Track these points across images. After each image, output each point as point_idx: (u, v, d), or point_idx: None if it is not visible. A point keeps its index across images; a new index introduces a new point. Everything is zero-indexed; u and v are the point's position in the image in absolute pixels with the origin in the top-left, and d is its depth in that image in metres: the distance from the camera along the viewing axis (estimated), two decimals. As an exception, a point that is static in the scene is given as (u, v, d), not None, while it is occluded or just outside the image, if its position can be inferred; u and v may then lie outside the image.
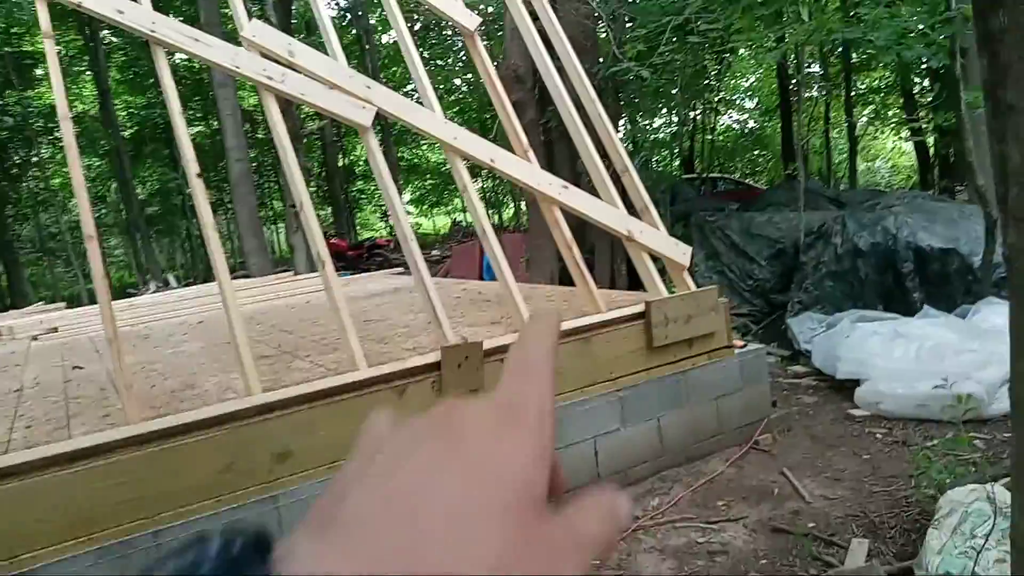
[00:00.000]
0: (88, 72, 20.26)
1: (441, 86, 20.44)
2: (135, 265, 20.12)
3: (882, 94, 18.37)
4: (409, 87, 19.95)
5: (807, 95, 14.03)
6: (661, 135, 16.63)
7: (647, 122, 14.93)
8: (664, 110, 14.91)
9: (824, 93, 16.60)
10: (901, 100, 16.99)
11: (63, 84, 3.80)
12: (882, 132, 21.06)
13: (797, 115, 9.90)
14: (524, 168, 4.36)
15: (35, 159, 18.92)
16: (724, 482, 3.96)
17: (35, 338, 6.78)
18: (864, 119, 19.44)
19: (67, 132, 3.61)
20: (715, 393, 4.30)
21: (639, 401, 3.99)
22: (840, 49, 14.59)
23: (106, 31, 18.60)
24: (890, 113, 18.76)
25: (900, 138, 20.57)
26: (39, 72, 20.22)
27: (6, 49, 17.97)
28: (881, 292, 6.25)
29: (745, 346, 4.67)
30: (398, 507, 0.26)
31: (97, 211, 21.22)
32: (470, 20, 4.76)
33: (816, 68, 16.29)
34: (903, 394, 4.60)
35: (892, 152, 25.44)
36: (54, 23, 3.80)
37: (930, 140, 15.62)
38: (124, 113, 21.29)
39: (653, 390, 4.05)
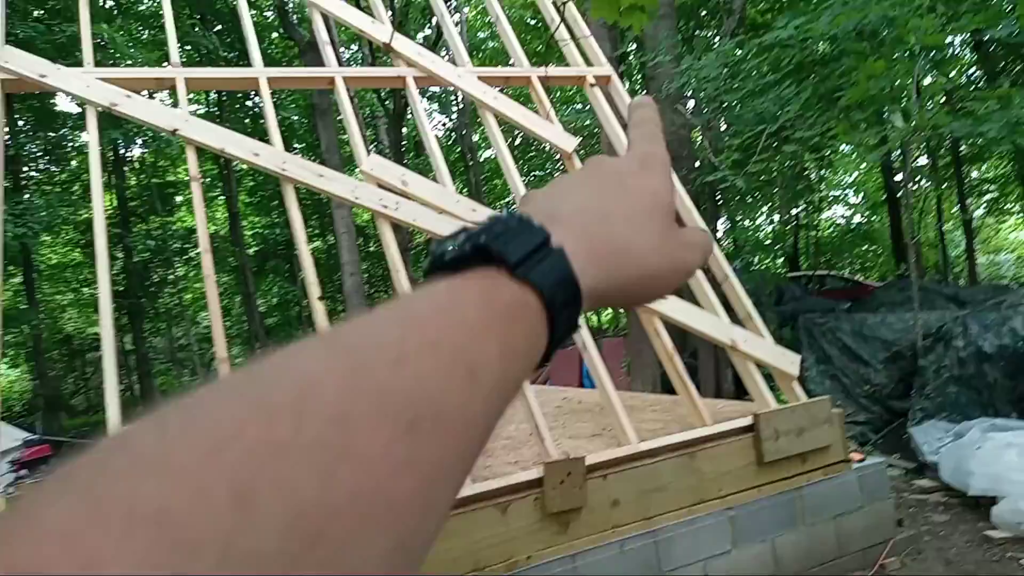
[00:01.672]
0: (221, 197, 22.28)
1: (540, 195, 21.15)
2: (254, 373, 21.28)
3: (999, 183, 17.56)
4: (510, 197, 20.76)
5: (915, 188, 13.60)
6: (762, 234, 16.43)
7: (747, 223, 14.86)
8: (765, 209, 14.82)
9: (934, 186, 16.05)
10: (1021, 189, 16.18)
11: (205, 219, 4.27)
12: (1003, 223, 19.99)
13: (906, 210, 9.63)
14: (623, 281, 4.44)
15: (171, 277, 20.68)
16: (849, 610, 3.69)
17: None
18: (981, 211, 18.56)
19: (207, 264, 4.02)
20: (833, 512, 4.08)
21: (751, 521, 3.83)
22: (948, 141, 14.19)
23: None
24: (1010, 203, 17.85)
25: (1024, 228, 19.46)
26: (178, 199, 22.43)
27: (154, 181, 20.11)
28: (1013, 399, 5.81)
29: (864, 459, 4.44)
30: (591, 209, 0.41)
31: (223, 324, 22.75)
32: (567, 142, 5.02)
33: (923, 160, 15.85)
34: (1049, 514, 4.20)
35: (1017, 244, 23.98)
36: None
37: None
38: (250, 232, 23.12)
39: (765, 509, 3.89)
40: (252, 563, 0.21)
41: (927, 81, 9.41)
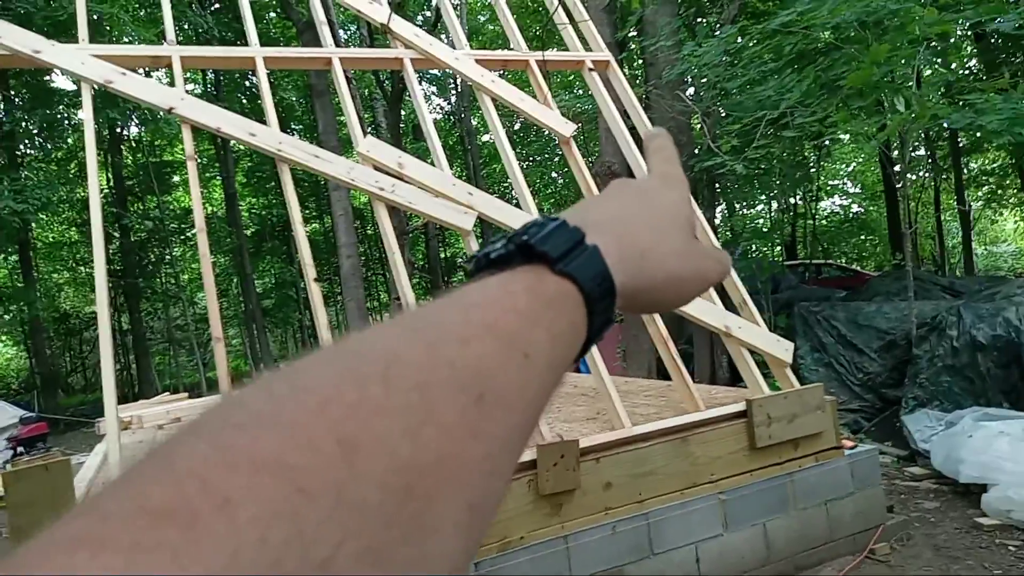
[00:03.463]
0: (218, 177, 22.19)
1: (539, 180, 21.11)
2: (250, 354, 21.29)
3: (997, 175, 17.55)
4: (508, 182, 20.70)
5: (912, 178, 13.59)
6: (761, 221, 16.42)
7: (746, 209, 14.86)
8: (763, 197, 14.80)
9: (931, 176, 16.01)
10: (1019, 181, 16.17)
11: (200, 198, 4.26)
12: (1000, 215, 19.99)
13: (903, 200, 9.62)
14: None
15: (167, 257, 20.64)
16: (837, 594, 3.73)
17: (160, 427, 7.26)
18: (979, 202, 18.57)
19: (202, 243, 4.02)
20: (824, 497, 4.11)
21: (742, 505, 3.86)
22: (946, 132, 14.16)
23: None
24: (1008, 195, 17.85)
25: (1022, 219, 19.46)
26: (175, 179, 22.35)
27: (151, 160, 20.02)
28: (1006, 388, 5.84)
29: (855, 446, 4.47)
30: (619, 218, 0.44)
31: (219, 304, 22.74)
32: (565, 127, 5.01)
33: (922, 151, 15.81)
34: (1038, 502, 4.24)
35: (1014, 235, 24.02)
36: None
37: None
38: (247, 213, 23.07)
39: (757, 493, 3.92)
40: (358, 511, 0.23)
41: (927, 72, 9.36)
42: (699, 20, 13.12)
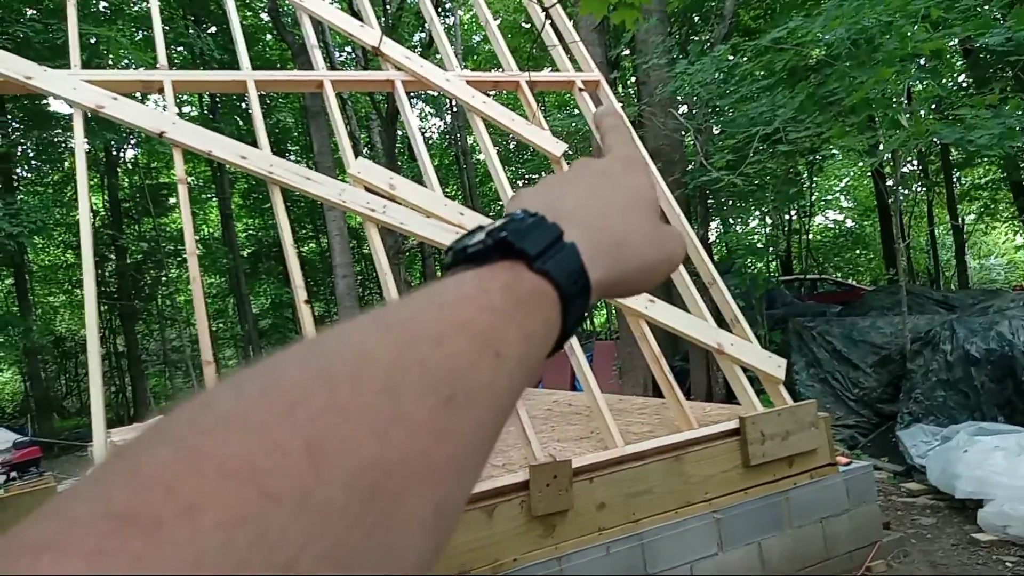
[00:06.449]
0: (214, 198, 22.22)
1: (534, 198, 21.15)
2: (247, 375, 21.19)
3: (989, 189, 17.64)
4: (502, 201, 20.71)
5: (905, 193, 13.66)
6: (755, 237, 16.45)
7: (740, 227, 14.89)
8: (757, 213, 14.85)
9: (924, 190, 16.09)
10: (1011, 195, 16.24)
11: (192, 222, 4.27)
12: (993, 228, 20.07)
13: (895, 214, 9.66)
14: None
15: (164, 279, 20.61)
16: (834, 613, 3.70)
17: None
18: (971, 216, 18.64)
19: (193, 267, 4.02)
20: (820, 515, 4.09)
21: (737, 524, 3.84)
22: (937, 147, 14.24)
23: (231, 162, 20.45)
24: (1000, 208, 17.92)
25: (1017, 231, 19.53)
26: (172, 200, 22.38)
27: (147, 182, 20.06)
28: (1000, 402, 5.83)
29: (850, 463, 4.46)
30: (590, 207, 0.44)
31: (216, 325, 22.70)
32: (556, 147, 5.03)
33: (914, 165, 15.90)
34: (1034, 517, 4.22)
35: (1007, 248, 24.09)
36: (188, 159, 4.31)
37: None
38: (243, 234, 23.08)
39: (752, 512, 3.90)
40: (323, 513, 0.23)
41: (918, 87, 9.43)
42: (692, 38, 13.24)
